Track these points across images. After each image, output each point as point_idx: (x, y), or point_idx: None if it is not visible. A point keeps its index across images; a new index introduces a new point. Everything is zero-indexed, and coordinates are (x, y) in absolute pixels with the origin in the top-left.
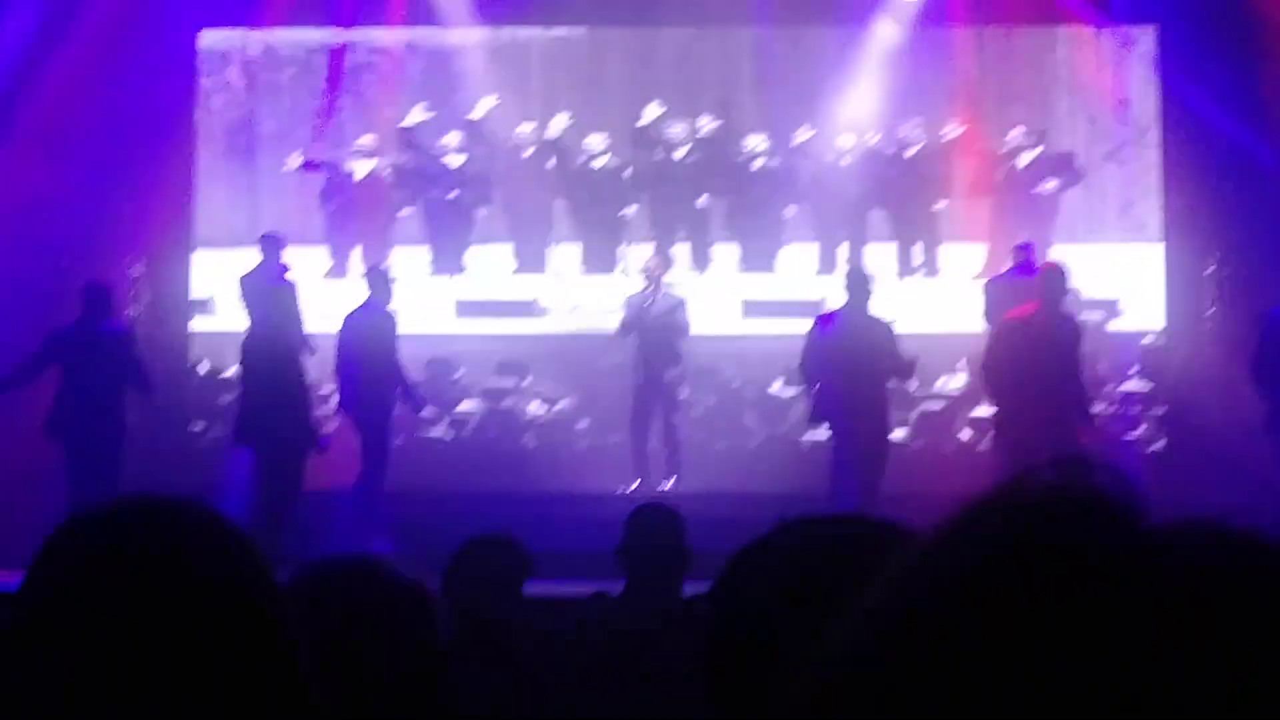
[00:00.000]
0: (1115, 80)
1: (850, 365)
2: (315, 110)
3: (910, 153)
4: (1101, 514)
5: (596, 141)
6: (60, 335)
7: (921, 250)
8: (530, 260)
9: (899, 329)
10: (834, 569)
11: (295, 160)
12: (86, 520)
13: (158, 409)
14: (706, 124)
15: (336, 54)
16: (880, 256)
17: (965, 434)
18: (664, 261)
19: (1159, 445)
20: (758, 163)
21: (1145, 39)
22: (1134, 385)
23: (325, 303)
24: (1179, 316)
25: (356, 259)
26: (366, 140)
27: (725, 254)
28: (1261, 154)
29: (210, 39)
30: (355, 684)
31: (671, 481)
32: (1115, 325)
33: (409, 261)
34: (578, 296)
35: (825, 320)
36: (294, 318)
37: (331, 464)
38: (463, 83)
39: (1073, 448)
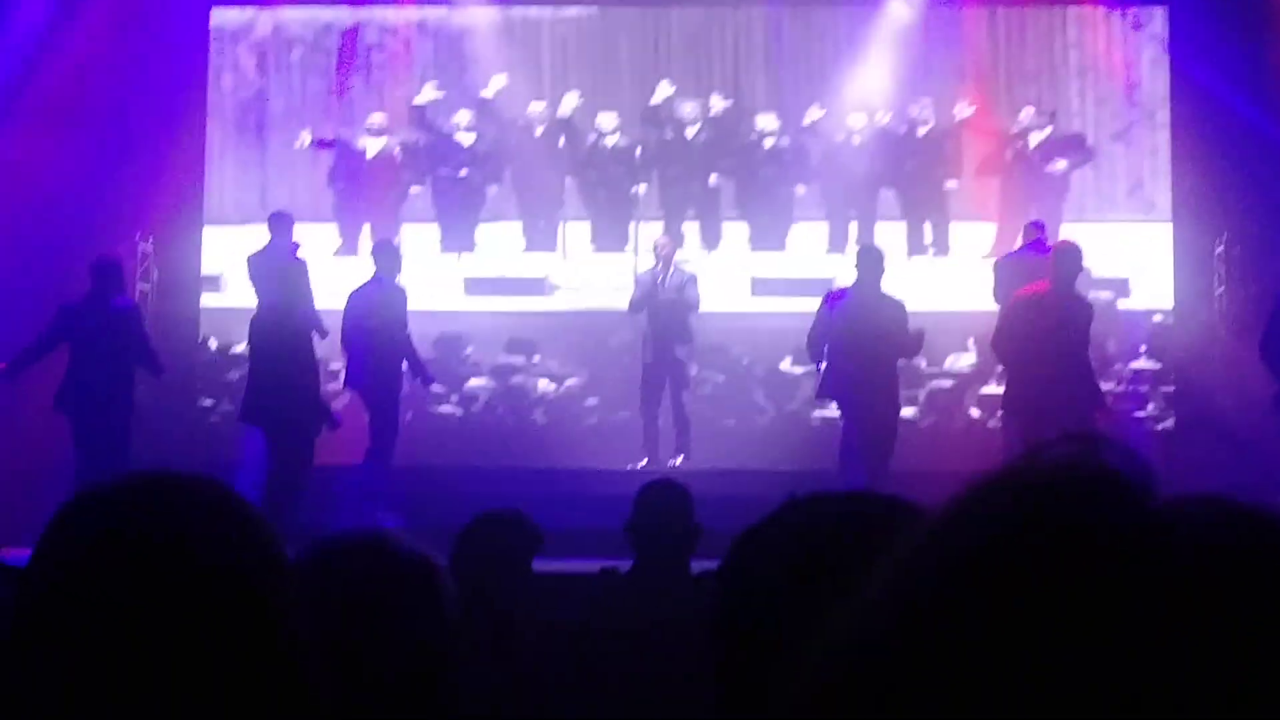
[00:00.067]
0: (1126, 60)
1: (859, 343)
2: (326, 88)
3: (921, 132)
4: (1112, 491)
5: (607, 120)
6: (70, 310)
7: (931, 229)
8: (540, 238)
9: (909, 307)
10: (843, 546)
11: (306, 138)
12: (93, 497)
13: (167, 385)
14: (717, 103)
15: (348, 32)
16: (890, 235)
17: (974, 412)
18: (674, 240)
19: (1167, 423)
20: (768, 142)
21: (1156, 19)
22: (1142, 364)
23: (335, 280)
24: (1188, 295)
25: (366, 237)
26: (377, 118)
27: (735, 232)
28: (1271, 134)
29: (222, 17)
30: (365, 658)
31: (680, 459)
32: (1124, 304)
33: (419, 239)
34: (587, 274)
35: (835, 297)
36: (303, 296)
37: (340, 439)
38: (474, 61)
39: (1083, 426)
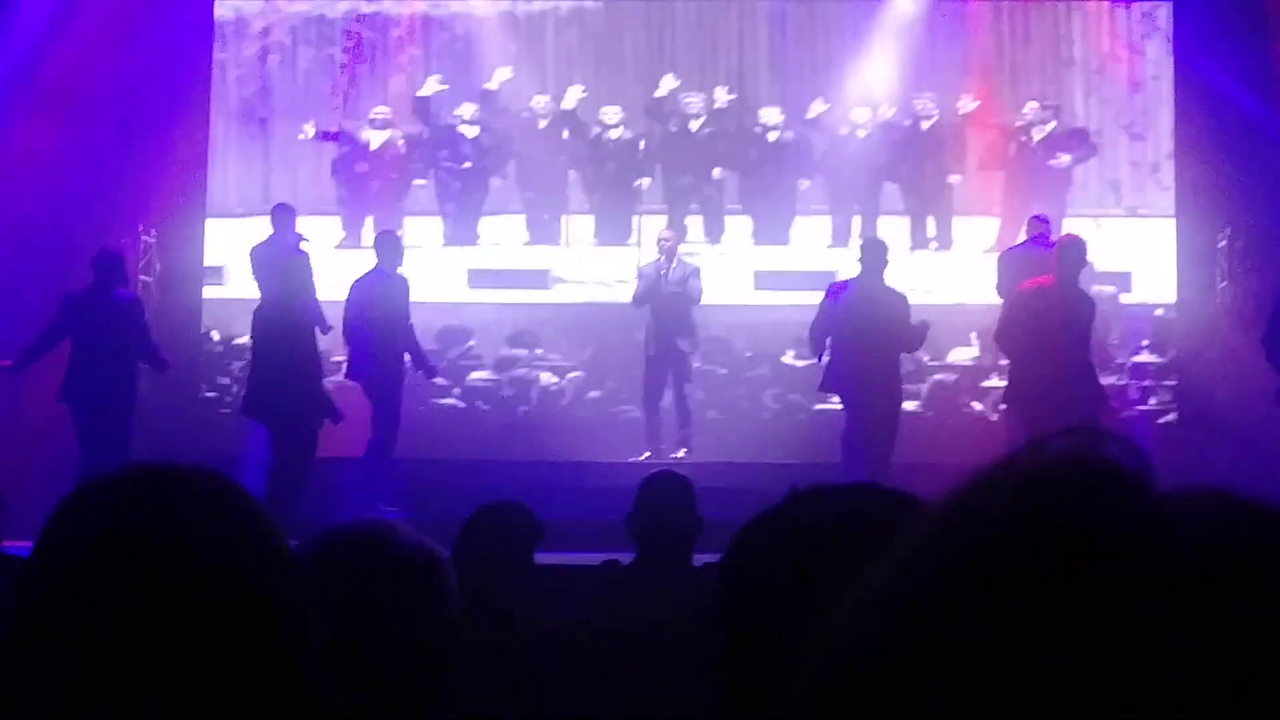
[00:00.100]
0: (1130, 55)
1: (862, 336)
2: (330, 81)
3: (925, 126)
4: (1113, 485)
5: (611, 113)
6: (74, 301)
7: (935, 223)
8: (543, 231)
9: (912, 301)
10: (845, 540)
11: (310, 130)
12: (95, 489)
13: (170, 377)
14: (721, 96)
15: (352, 24)
16: (893, 229)
17: (977, 405)
18: (677, 233)
19: (1170, 417)
20: (772, 135)
21: (1160, 14)
22: (1145, 357)
23: (338, 273)
24: (1190, 290)
25: (370, 229)
26: (381, 111)
27: (738, 226)
28: (1274, 129)
29: (225, 9)
30: (368, 650)
31: (683, 451)
32: (1127, 298)
33: (423, 231)
34: (590, 267)
35: (838, 289)
36: (306, 289)
37: (342, 431)
38: (478, 54)
39: (1085, 420)
